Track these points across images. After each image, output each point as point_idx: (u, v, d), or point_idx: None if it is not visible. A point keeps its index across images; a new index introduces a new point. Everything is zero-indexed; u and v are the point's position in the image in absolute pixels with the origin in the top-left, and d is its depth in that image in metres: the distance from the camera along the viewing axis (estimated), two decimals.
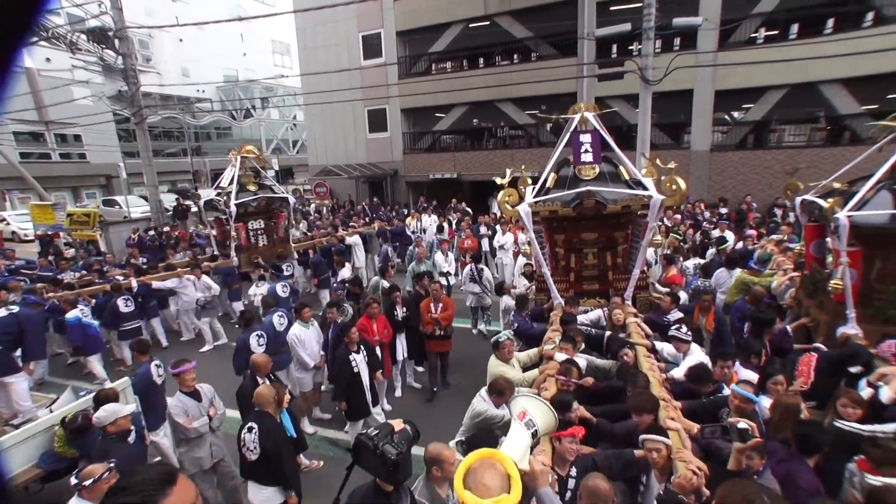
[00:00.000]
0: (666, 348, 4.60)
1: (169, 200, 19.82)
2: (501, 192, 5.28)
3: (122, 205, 21.35)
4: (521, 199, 5.40)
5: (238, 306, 9.38)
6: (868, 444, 2.69)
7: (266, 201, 10.19)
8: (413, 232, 13.32)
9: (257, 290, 8.04)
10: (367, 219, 15.61)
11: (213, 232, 10.44)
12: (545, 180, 5.51)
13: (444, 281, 9.62)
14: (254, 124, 34.97)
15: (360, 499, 1.86)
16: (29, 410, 4.97)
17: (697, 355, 4.34)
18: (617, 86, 14.28)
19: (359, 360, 4.89)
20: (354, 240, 11.17)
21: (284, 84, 30.50)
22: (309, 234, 13.21)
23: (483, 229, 12.22)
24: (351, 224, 13.38)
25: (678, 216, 13.21)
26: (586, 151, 5.45)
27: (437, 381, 6.50)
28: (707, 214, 13.50)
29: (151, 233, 14.68)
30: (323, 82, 19.58)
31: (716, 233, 10.25)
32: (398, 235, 12.79)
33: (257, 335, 5.54)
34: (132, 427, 3.76)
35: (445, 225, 13.79)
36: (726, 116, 17.02)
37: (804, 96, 14.09)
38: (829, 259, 5.15)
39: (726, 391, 3.50)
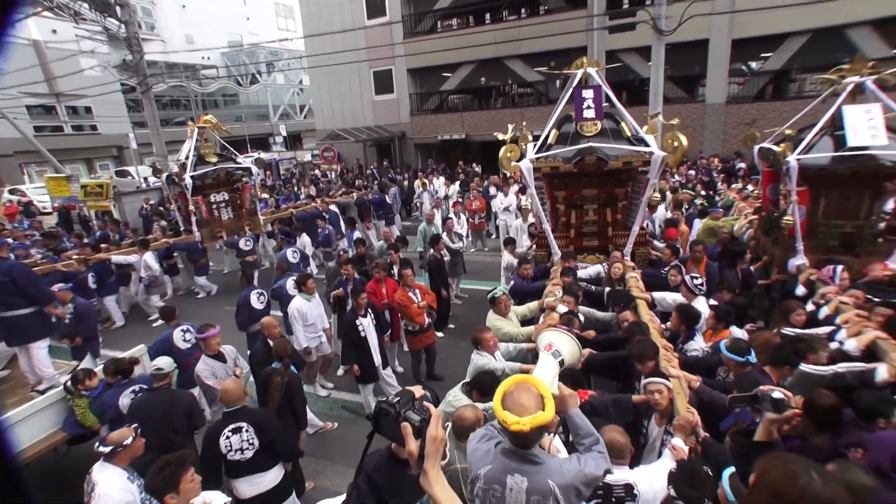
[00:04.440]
0: (668, 297, 4.68)
1: None
2: (503, 148, 5.34)
3: (134, 175, 21.68)
4: (523, 155, 5.43)
5: (202, 281, 9.18)
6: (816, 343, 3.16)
7: (226, 173, 9.47)
8: (431, 194, 13.34)
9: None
10: (375, 182, 15.64)
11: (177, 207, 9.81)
12: (547, 136, 5.51)
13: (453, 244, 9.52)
14: (260, 90, 34.57)
15: (376, 466, 1.77)
16: (51, 377, 4.93)
17: (701, 307, 4.40)
18: (628, 38, 13.73)
19: (366, 325, 4.81)
20: (331, 210, 10.87)
21: (289, 48, 29.90)
22: (316, 198, 13.23)
23: (492, 189, 12.12)
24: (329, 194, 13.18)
25: (692, 171, 12.99)
26: (588, 108, 5.41)
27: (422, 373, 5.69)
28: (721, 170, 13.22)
29: (152, 203, 14.24)
30: (327, 44, 19.15)
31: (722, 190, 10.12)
32: (379, 205, 11.94)
33: (257, 293, 5.66)
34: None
35: (455, 186, 13.74)
36: (743, 67, 16.31)
37: (829, 41, 13.36)
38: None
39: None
